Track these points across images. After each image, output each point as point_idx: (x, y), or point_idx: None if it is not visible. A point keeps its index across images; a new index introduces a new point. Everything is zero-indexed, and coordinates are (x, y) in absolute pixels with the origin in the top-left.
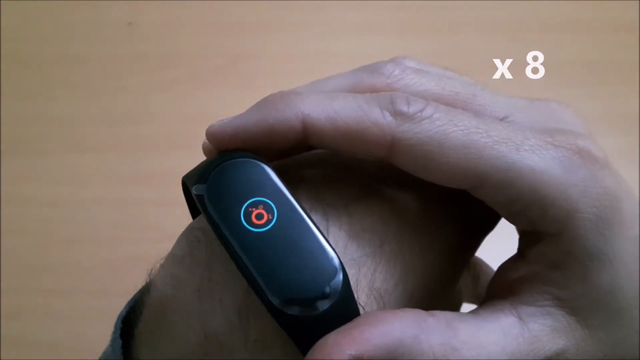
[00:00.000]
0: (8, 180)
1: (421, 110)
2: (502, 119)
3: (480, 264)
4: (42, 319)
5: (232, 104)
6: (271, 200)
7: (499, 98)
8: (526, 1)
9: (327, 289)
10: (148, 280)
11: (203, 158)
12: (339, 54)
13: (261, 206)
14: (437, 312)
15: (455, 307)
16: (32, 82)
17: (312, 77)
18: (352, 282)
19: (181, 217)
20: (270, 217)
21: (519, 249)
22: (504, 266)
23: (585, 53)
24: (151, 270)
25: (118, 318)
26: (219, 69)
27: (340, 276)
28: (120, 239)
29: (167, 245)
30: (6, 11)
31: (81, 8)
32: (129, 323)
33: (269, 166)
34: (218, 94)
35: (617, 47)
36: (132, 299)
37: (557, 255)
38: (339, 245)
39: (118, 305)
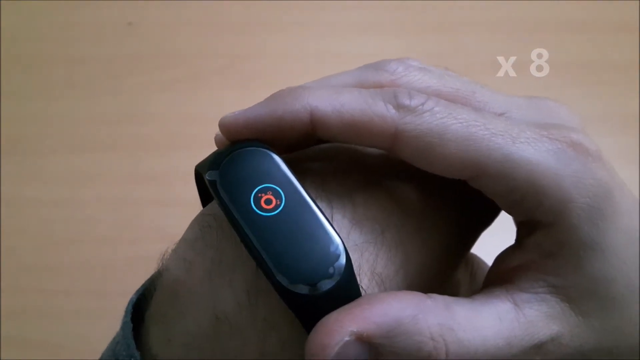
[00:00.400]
0: (8, 180)
1: (422, 104)
2: (500, 115)
3: (478, 261)
4: (42, 319)
5: (232, 104)
6: (279, 187)
7: (498, 95)
8: (526, 1)
9: (331, 270)
10: (161, 264)
11: (203, 157)
12: (339, 54)
13: (270, 192)
14: (436, 295)
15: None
16: (32, 82)
17: (312, 77)
18: (355, 266)
19: (181, 217)
20: (278, 203)
21: (516, 239)
22: (502, 256)
23: (586, 53)
24: (163, 255)
25: (129, 303)
26: (219, 69)
27: (344, 258)
28: (120, 239)
29: (167, 245)
30: (6, 11)
31: (81, 8)
32: (139, 308)
33: (277, 155)
34: (218, 94)
35: (617, 47)
36: (142, 286)
37: (551, 244)
38: (342, 232)
39: (118, 305)
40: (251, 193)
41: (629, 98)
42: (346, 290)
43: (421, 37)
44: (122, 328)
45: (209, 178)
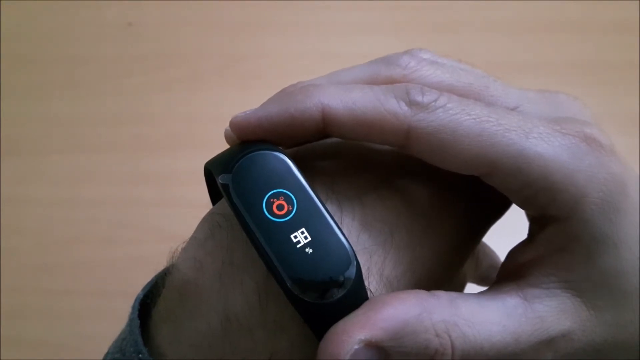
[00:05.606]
0: (8, 180)
1: (435, 100)
2: (512, 109)
3: (482, 245)
4: (42, 319)
5: (232, 104)
6: (291, 192)
7: (510, 89)
8: (526, 1)
9: (341, 278)
10: (171, 262)
11: (203, 158)
12: (339, 54)
13: (282, 197)
14: (440, 292)
15: (460, 288)
16: (32, 82)
17: (312, 77)
18: (363, 270)
19: (181, 217)
20: (290, 208)
21: (528, 234)
22: (513, 251)
23: (585, 53)
24: (173, 252)
25: (136, 300)
26: (219, 69)
27: (354, 267)
28: (120, 239)
29: (167, 245)
30: (6, 11)
31: (81, 8)
32: (146, 305)
33: (289, 158)
34: (218, 94)
35: (617, 47)
36: (148, 283)
37: (564, 238)
38: (352, 235)
39: (118, 305)
40: (263, 198)
41: (629, 98)
42: (355, 297)
43: (421, 37)
44: (129, 324)
45: (221, 181)
